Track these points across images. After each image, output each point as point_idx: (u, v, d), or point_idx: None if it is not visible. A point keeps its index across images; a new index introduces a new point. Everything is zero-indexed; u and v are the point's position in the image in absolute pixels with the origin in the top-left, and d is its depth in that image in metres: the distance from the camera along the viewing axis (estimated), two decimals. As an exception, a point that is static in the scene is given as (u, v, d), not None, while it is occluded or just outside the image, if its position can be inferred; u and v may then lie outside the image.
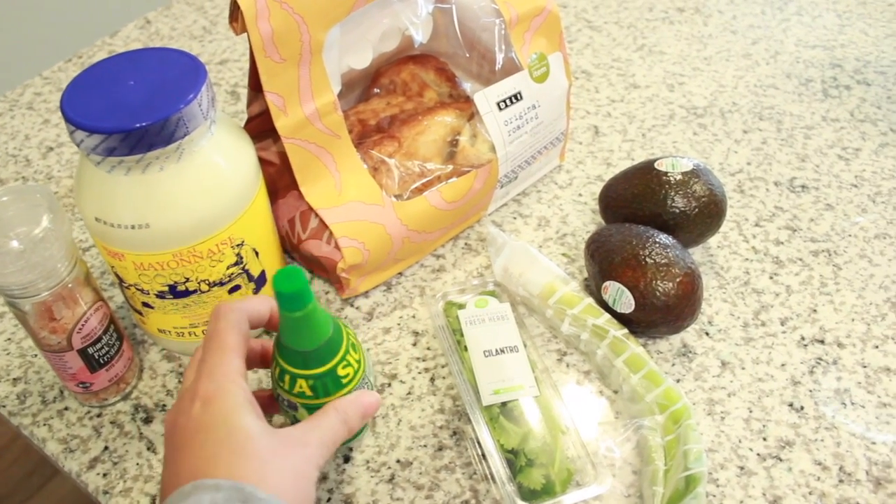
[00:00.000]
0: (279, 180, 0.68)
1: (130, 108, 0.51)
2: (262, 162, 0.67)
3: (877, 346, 0.66)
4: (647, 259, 0.62)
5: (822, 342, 0.66)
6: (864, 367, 0.65)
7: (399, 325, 0.68)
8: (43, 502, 1.49)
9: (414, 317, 0.68)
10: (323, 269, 0.67)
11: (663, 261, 0.62)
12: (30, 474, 1.53)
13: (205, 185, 0.55)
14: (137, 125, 0.50)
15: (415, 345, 0.66)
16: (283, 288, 0.46)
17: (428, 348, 0.66)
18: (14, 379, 0.65)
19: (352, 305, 0.69)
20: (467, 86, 0.74)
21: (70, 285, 0.55)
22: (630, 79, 0.95)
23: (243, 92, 0.94)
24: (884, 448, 0.59)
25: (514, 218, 0.77)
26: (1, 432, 1.59)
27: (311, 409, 0.52)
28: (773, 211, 0.78)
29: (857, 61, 0.98)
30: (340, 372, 0.52)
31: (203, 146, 0.55)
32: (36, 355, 0.67)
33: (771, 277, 0.72)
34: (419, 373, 0.64)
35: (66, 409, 0.63)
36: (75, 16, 1.81)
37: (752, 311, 0.69)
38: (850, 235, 0.75)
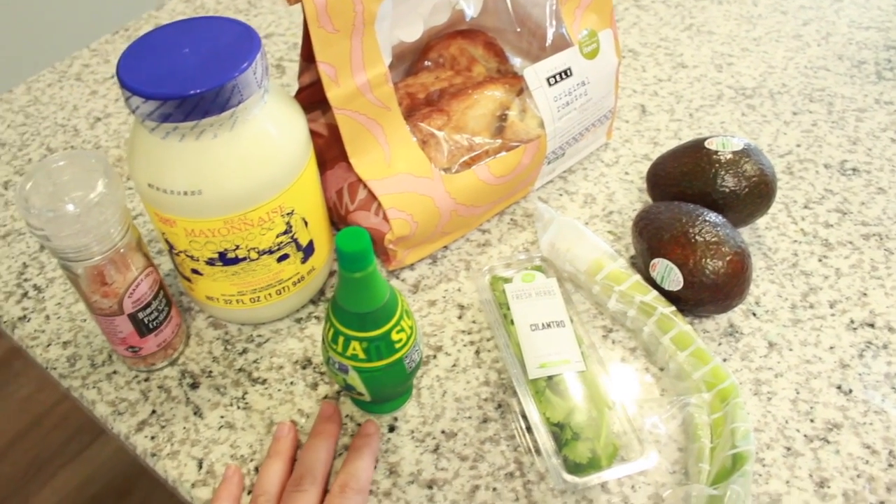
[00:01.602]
0: (327, 152, 0.68)
1: (186, 75, 0.52)
2: (312, 134, 0.67)
3: (928, 332, 0.65)
4: (697, 237, 0.61)
5: (872, 326, 0.66)
6: (915, 351, 0.64)
7: (444, 297, 0.68)
8: (81, 468, 1.52)
9: (459, 290, 0.68)
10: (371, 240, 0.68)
11: (713, 239, 0.61)
12: (69, 440, 1.56)
13: (257, 153, 0.55)
14: (193, 92, 0.50)
15: (460, 318, 0.66)
16: (347, 247, 0.47)
17: (473, 321, 0.66)
18: (64, 342, 0.66)
19: (397, 278, 0.70)
20: (516, 61, 0.74)
21: (122, 250, 0.56)
22: (678, 58, 0.94)
23: (289, 66, 0.95)
24: (934, 433, 0.59)
25: (560, 195, 0.77)
26: (41, 399, 1.62)
27: (363, 373, 0.53)
28: (823, 193, 0.77)
29: (912, 44, 0.96)
30: (394, 336, 0.52)
31: (256, 115, 0.55)
32: (85, 320, 0.68)
33: (820, 260, 0.71)
34: (464, 345, 0.64)
35: (114, 372, 0.64)
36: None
37: (800, 292, 0.68)
38: (901, 219, 0.74)
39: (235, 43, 0.54)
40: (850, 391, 0.61)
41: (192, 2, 1.07)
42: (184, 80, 0.51)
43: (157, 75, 0.52)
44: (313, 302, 0.68)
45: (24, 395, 1.64)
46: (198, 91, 0.51)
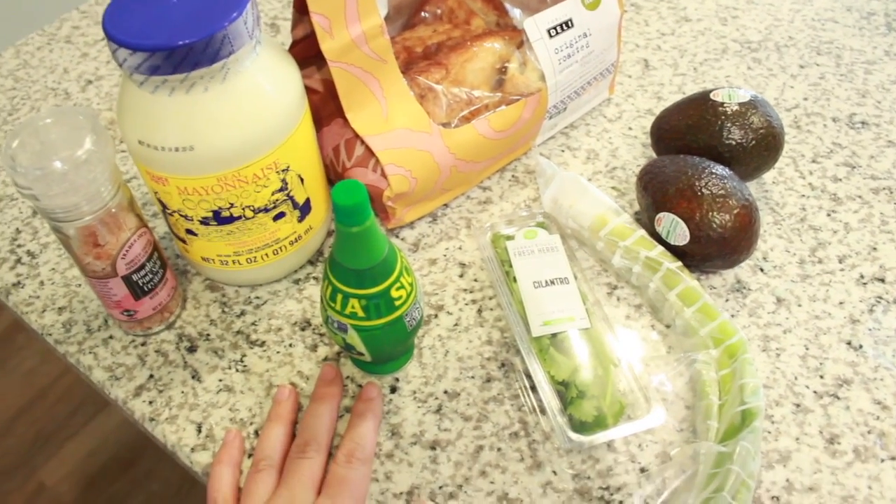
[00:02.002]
0: (323, 108, 0.66)
1: (175, 26, 0.50)
2: (306, 90, 0.65)
3: (940, 285, 0.64)
4: (704, 190, 0.60)
5: (882, 280, 0.64)
6: (927, 305, 0.62)
7: (445, 256, 0.66)
8: (87, 439, 1.52)
9: (460, 248, 0.67)
10: (369, 198, 0.66)
11: (720, 192, 0.59)
12: (74, 412, 1.55)
13: (250, 107, 0.53)
14: (182, 42, 0.49)
15: (462, 276, 0.65)
16: (343, 201, 0.45)
17: (475, 280, 0.64)
18: (59, 308, 0.65)
19: (397, 236, 0.68)
20: (516, 13, 0.72)
21: (113, 210, 0.54)
22: (681, 12, 0.92)
23: (283, 24, 0.93)
24: (947, 387, 0.57)
25: (563, 150, 0.75)
26: (45, 372, 1.61)
27: (362, 332, 0.52)
28: (831, 147, 0.75)
29: (922, -6, 0.93)
30: (394, 294, 0.51)
31: (248, 67, 0.53)
32: (80, 285, 0.66)
33: (828, 214, 0.69)
34: (466, 304, 0.63)
35: (110, 337, 0.63)
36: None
37: (808, 247, 0.67)
38: (912, 172, 0.73)
39: (226, -6, 0.52)
40: (861, 347, 0.60)
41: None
42: (172, 30, 0.50)
43: (144, 27, 0.50)
44: (311, 262, 0.66)
45: (28, 368, 1.63)
46: (187, 41, 0.49)
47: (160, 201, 0.58)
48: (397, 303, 0.51)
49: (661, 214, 0.61)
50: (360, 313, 0.51)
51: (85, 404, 1.56)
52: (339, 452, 0.53)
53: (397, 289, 0.51)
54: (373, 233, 0.48)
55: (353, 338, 0.53)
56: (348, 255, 0.49)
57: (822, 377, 0.58)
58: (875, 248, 0.66)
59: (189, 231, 0.59)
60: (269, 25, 0.93)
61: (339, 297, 0.51)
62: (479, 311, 0.62)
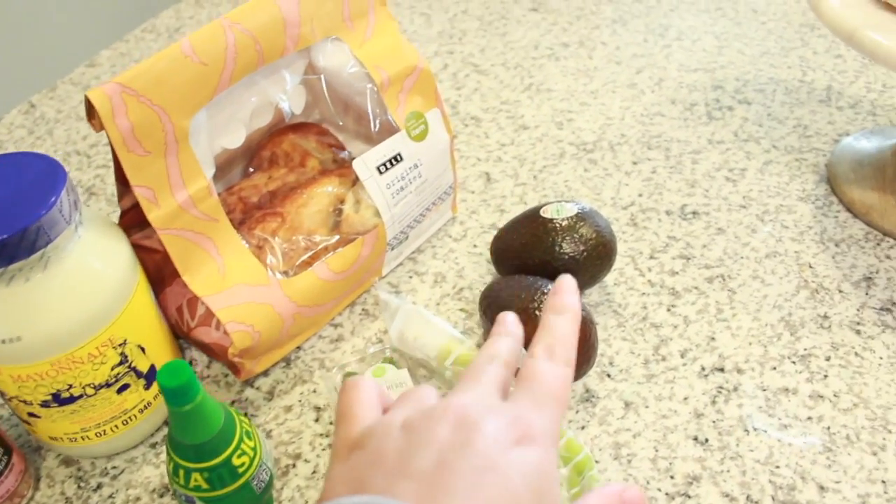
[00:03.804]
0: (165, 268, 0.66)
1: (-13, 221, 0.50)
2: (146, 250, 0.66)
3: (774, 368, 0.67)
4: (537, 311, 0.62)
5: (721, 370, 0.67)
6: (764, 390, 0.66)
7: (300, 401, 0.67)
8: None
9: (315, 391, 0.67)
10: (216, 354, 0.66)
11: (553, 311, 0.62)
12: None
13: (76, 289, 0.53)
14: (-6, 240, 0.49)
15: (317, 420, 0.65)
16: (168, 383, 0.46)
17: (331, 423, 0.65)
18: None
19: (252, 386, 0.68)
20: (355, 146, 0.74)
21: (-54, 407, 0.53)
22: (519, 120, 0.96)
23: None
24: (787, 471, 0.60)
25: (410, 277, 0.77)
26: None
27: (210, 503, 0.52)
28: (667, 241, 0.79)
29: (737, 81, 1.00)
30: (235, 462, 0.51)
31: (70, 250, 0.53)
32: (-74, 476, 0.64)
33: (668, 310, 0.73)
34: (323, 450, 0.63)
35: (-41, 531, 0.60)
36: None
37: (651, 346, 0.70)
38: (741, 258, 0.77)
39: (39, 179, 0.53)
40: (707, 440, 0.63)
41: (31, 113, 1.05)
42: (-16, 227, 0.50)
43: (-42, 224, 0.50)
44: (167, 423, 0.66)
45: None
46: (-1, 238, 0.49)
47: (-3, 388, 0.57)
48: (240, 470, 0.52)
49: (501, 338, 0.63)
50: (204, 485, 0.51)
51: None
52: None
53: (239, 456, 0.51)
54: (204, 407, 0.49)
55: (201, 511, 0.52)
56: (184, 432, 0.49)
57: (672, 477, 0.60)
58: (713, 338, 0.70)
59: (31, 414, 0.58)
60: (118, 174, 0.93)
61: (182, 471, 0.51)
62: (336, 456, 0.63)
